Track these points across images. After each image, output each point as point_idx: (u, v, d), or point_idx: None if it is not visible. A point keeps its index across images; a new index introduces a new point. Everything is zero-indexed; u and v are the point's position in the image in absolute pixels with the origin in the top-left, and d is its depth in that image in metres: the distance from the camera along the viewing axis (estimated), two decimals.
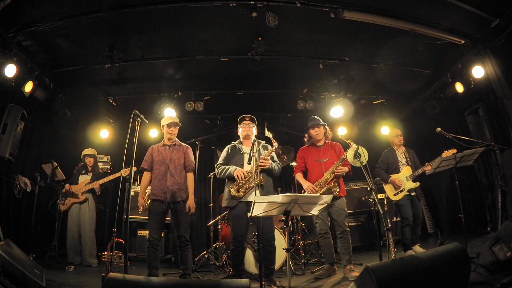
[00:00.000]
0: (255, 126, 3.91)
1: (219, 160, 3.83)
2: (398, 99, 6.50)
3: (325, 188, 3.75)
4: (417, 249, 4.65)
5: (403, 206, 4.43)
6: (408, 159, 4.64)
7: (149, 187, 3.82)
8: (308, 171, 4.01)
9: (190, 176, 3.84)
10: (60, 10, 3.95)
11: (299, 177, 4.03)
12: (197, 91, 5.98)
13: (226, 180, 3.72)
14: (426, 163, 4.37)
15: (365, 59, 5.23)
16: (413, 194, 4.48)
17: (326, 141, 4.09)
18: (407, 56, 5.08)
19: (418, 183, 4.49)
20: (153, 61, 5.06)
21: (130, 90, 6.04)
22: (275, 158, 3.83)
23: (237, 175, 3.49)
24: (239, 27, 4.52)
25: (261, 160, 3.49)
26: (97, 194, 4.99)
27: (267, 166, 3.52)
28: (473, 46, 4.63)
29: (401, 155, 4.69)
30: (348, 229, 3.80)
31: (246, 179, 3.50)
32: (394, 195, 4.49)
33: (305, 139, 4.20)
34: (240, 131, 3.89)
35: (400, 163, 4.61)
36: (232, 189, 3.51)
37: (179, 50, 4.99)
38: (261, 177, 3.47)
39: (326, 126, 4.08)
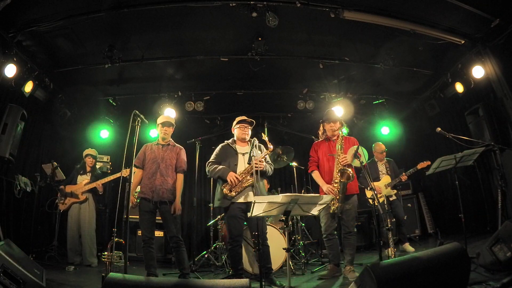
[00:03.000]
0: (251, 128, 3.83)
1: (211, 158, 3.77)
2: (398, 99, 6.50)
3: (338, 184, 3.58)
4: (407, 247, 4.86)
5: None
6: (388, 169, 5.22)
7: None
8: (320, 166, 3.87)
9: (180, 177, 3.81)
10: (60, 10, 3.95)
11: (316, 176, 3.84)
12: (197, 91, 5.98)
13: (218, 179, 3.70)
14: (403, 173, 4.97)
15: (365, 59, 5.23)
16: (391, 199, 5.02)
17: (341, 136, 3.85)
18: (407, 56, 5.08)
19: (395, 191, 5.07)
20: (153, 61, 5.07)
21: (130, 90, 6.05)
22: (268, 159, 3.78)
23: (230, 180, 3.45)
24: (239, 27, 4.52)
25: (257, 162, 3.44)
26: (100, 193, 4.99)
27: (262, 168, 3.48)
28: (473, 46, 4.63)
29: (381, 165, 5.28)
30: (355, 230, 3.72)
31: (239, 181, 3.48)
32: (372, 200, 4.81)
33: (319, 132, 4.04)
34: (237, 132, 3.80)
35: (380, 173, 5.22)
36: (224, 189, 3.49)
37: (179, 50, 4.99)
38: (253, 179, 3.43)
39: (342, 122, 3.96)
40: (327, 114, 3.98)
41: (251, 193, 3.49)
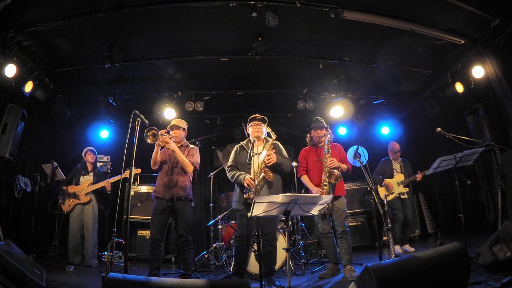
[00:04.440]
0: (265, 126, 3.81)
1: (228, 162, 3.78)
2: (398, 99, 6.50)
3: (326, 185, 3.74)
4: (407, 248, 4.93)
5: (394, 206, 5.05)
6: (403, 168, 5.25)
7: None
8: (309, 171, 4.05)
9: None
10: (60, 10, 3.94)
11: (306, 180, 4.03)
12: (197, 91, 5.98)
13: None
14: (418, 171, 4.98)
15: (365, 59, 5.22)
16: (403, 197, 5.10)
17: (327, 142, 4.04)
18: (407, 56, 5.08)
19: (407, 189, 5.13)
20: (153, 61, 5.06)
21: (130, 90, 6.04)
22: (284, 153, 3.75)
23: (247, 184, 3.42)
24: (239, 27, 4.52)
25: (266, 156, 3.46)
26: (108, 192, 4.99)
27: (274, 161, 3.45)
28: (473, 46, 4.63)
29: (396, 164, 5.32)
30: (348, 229, 3.82)
31: (255, 183, 3.40)
32: (385, 196, 5.09)
33: (307, 139, 4.24)
34: (251, 131, 3.82)
35: (395, 171, 5.26)
36: (245, 195, 3.44)
37: (179, 50, 4.98)
38: (270, 175, 3.43)
39: (328, 129, 4.09)
40: (314, 121, 4.17)
41: (265, 191, 3.47)
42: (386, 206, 4.86)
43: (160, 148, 3.74)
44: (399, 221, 4.96)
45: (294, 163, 5.19)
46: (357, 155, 3.53)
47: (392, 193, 5.09)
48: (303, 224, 5.19)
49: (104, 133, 6.33)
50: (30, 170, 5.03)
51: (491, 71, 4.47)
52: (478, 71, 4.60)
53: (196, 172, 3.91)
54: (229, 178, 3.71)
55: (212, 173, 5.59)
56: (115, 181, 4.95)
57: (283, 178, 3.80)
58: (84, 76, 5.39)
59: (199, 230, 6.56)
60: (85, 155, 5.09)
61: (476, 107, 4.82)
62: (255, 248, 4.06)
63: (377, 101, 6.38)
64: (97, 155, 5.36)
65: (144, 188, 5.72)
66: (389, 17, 4.22)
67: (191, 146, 4.01)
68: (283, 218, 2.83)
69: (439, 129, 4.22)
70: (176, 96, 5.91)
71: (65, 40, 4.52)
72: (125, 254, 2.97)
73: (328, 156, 3.81)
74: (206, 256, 4.94)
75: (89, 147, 5.16)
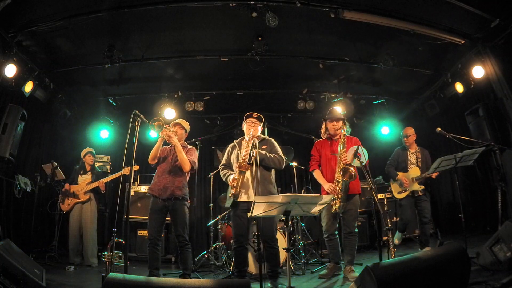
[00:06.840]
0: (261, 125, 3.68)
1: (222, 161, 3.74)
2: (398, 99, 6.50)
3: (341, 184, 3.53)
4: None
5: (404, 207, 4.47)
6: (419, 160, 4.52)
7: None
8: (322, 166, 3.84)
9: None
10: (60, 10, 3.95)
11: (318, 175, 3.80)
12: (197, 91, 5.98)
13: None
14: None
15: (365, 59, 5.22)
16: (417, 195, 4.40)
17: (343, 136, 3.73)
18: (407, 56, 5.08)
19: (423, 186, 4.39)
20: (153, 61, 5.07)
21: (130, 90, 6.05)
22: (276, 149, 3.55)
23: (230, 183, 3.38)
24: (239, 27, 4.52)
25: (245, 153, 3.34)
26: (102, 192, 4.98)
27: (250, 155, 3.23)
28: (473, 46, 4.63)
29: (412, 154, 4.60)
30: (356, 230, 3.66)
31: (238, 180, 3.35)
32: (398, 193, 4.52)
33: (322, 131, 3.98)
34: (244, 128, 3.68)
35: (409, 163, 4.54)
36: (230, 193, 3.40)
37: (179, 50, 4.99)
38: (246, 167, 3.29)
39: (345, 121, 3.90)
40: (330, 112, 3.94)
41: (252, 190, 3.37)
42: (386, 206, 4.81)
43: (162, 143, 3.71)
44: (404, 222, 4.46)
45: (294, 163, 5.20)
46: (357, 155, 3.46)
47: (405, 190, 4.42)
48: (303, 224, 5.19)
49: (104, 133, 6.32)
50: (30, 170, 5.03)
51: (491, 71, 4.48)
52: (478, 71, 4.60)
53: (192, 172, 3.88)
54: (222, 177, 3.67)
55: (212, 173, 5.59)
56: (114, 181, 4.95)
57: (283, 178, 3.76)
58: (84, 76, 5.39)
59: (199, 230, 6.56)
60: (84, 157, 5.09)
61: (476, 107, 4.82)
62: (254, 248, 4.05)
63: (377, 101, 6.38)
64: (96, 155, 5.36)
65: (144, 188, 5.72)
66: (389, 17, 4.22)
67: (190, 146, 4.00)
68: (283, 218, 2.81)
69: (439, 129, 4.20)
70: (176, 96, 5.91)
71: (65, 40, 4.52)
72: (125, 254, 2.97)
73: (343, 151, 3.55)
74: (206, 256, 4.94)
75: (89, 150, 5.13)
